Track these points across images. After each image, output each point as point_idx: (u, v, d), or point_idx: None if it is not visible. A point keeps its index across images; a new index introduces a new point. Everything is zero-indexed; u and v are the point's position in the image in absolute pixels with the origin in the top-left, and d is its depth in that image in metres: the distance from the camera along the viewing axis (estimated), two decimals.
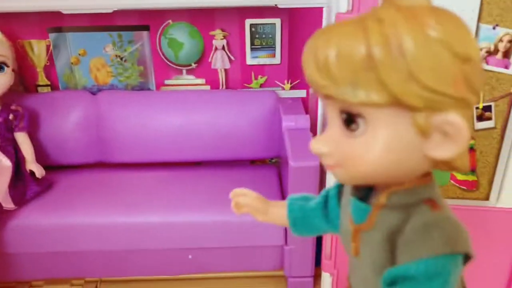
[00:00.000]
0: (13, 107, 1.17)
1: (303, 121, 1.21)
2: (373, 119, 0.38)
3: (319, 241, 1.12)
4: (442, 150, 0.39)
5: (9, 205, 1.05)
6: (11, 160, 1.13)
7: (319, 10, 1.24)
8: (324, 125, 1.30)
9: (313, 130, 1.30)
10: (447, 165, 0.41)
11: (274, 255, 1.17)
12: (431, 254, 0.39)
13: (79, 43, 1.30)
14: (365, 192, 0.46)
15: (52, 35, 1.29)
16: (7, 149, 1.14)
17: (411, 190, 0.42)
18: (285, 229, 1.13)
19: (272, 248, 1.16)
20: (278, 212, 0.58)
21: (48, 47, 1.30)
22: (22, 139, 1.18)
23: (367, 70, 0.36)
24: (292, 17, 1.29)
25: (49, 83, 1.34)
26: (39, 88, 1.35)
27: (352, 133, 0.40)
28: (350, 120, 0.40)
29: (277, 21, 1.29)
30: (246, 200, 0.58)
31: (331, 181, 0.99)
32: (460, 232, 0.41)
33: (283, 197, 1.18)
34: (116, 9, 1.19)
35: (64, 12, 1.20)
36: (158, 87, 1.36)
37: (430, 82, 0.36)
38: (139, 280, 1.22)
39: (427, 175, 0.43)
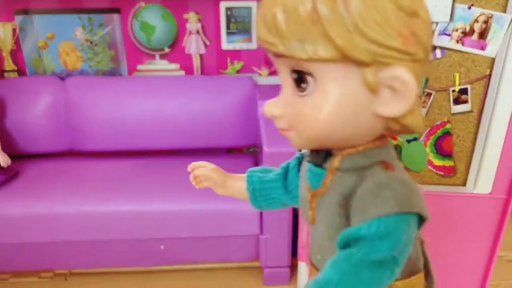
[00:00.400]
0: None
1: None
2: (322, 76, 0.38)
3: (295, 230, 1.09)
4: (391, 107, 0.38)
5: None
6: None
7: None
8: None
9: None
10: (399, 124, 0.40)
11: (249, 245, 1.14)
12: (382, 214, 0.38)
13: (47, 26, 1.25)
14: (322, 159, 0.45)
15: (18, 18, 1.23)
16: None
17: (364, 153, 0.42)
18: (261, 218, 1.10)
19: (247, 238, 1.12)
20: (237, 184, 0.56)
21: (14, 30, 1.25)
22: None
23: (314, 25, 0.36)
24: None
25: (16, 68, 1.29)
26: (6, 74, 1.29)
27: (303, 93, 0.39)
28: (300, 79, 0.39)
29: (253, 4, 1.25)
30: (204, 171, 0.56)
31: None
32: (413, 192, 0.40)
33: None
34: None
35: None
36: (130, 72, 1.32)
37: (376, 35, 0.36)
38: (110, 273, 1.18)
39: (381, 137, 0.43)
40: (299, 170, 0.52)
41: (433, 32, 0.39)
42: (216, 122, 1.26)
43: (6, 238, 1.08)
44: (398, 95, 0.37)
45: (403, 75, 0.37)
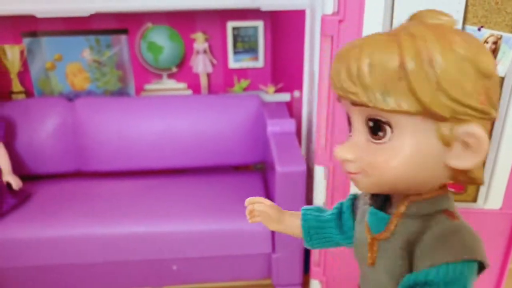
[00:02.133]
0: None
1: (288, 125, 1.19)
2: (400, 127, 0.41)
3: (307, 248, 1.10)
4: (463, 160, 0.41)
5: None
6: None
7: (302, 13, 1.23)
8: (309, 130, 1.28)
9: (298, 135, 1.28)
10: (465, 176, 0.43)
11: (261, 263, 1.14)
12: (451, 260, 0.41)
13: (54, 48, 1.25)
14: (381, 202, 0.48)
15: (26, 40, 1.24)
16: None
17: (429, 200, 0.45)
18: (272, 237, 1.10)
19: (259, 256, 1.13)
20: (292, 222, 0.58)
21: (22, 52, 1.25)
22: None
23: (399, 80, 0.39)
24: (275, 19, 1.27)
25: (23, 89, 1.29)
26: (13, 95, 1.29)
27: (378, 141, 0.42)
28: (377, 127, 0.42)
29: (259, 24, 1.27)
30: (261, 207, 0.58)
31: (319, 187, 0.97)
32: (477, 241, 0.43)
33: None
34: (93, 12, 1.15)
35: (39, 16, 1.16)
36: (138, 92, 1.33)
37: (457, 94, 0.39)
38: None
39: (444, 186, 0.45)
40: (352, 211, 0.54)
41: (499, 89, 0.43)
42: (223, 140, 1.27)
43: (18, 262, 1.07)
44: (471, 150, 0.40)
45: (478, 132, 0.40)
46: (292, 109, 1.34)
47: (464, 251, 0.41)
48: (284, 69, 1.32)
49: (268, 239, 1.10)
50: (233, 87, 1.34)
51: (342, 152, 0.44)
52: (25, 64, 1.27)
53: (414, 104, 0.39)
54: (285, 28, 1.28)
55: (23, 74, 1.28)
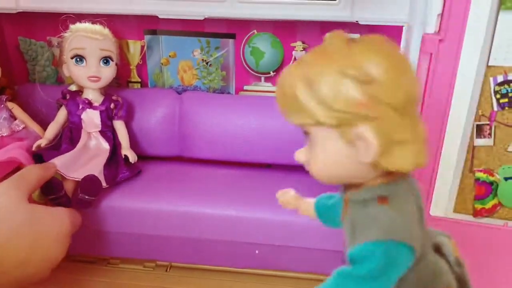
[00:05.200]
0: (114, 97, 1.30)
1: None
2: (313, 135, 0.54)
3: None
4: (365, 156, 0.50)
5: (102, 183, 1.16)
6: (109, 144, 1.25)
7: (399, 28, 1.28)
8: None
9: None
10: (380, 167, 0.52)
11: (336, 259, 1.22)
12: (364, 241, 0.51)
13: (170, 45, 1.42)
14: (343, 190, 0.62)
15: (147, 37, 1.42)
16: (107, 135, 1.27)
17: (368, 188, 0.55)
18: None
19: (333, 253, 1.20)
20: (308, 208, 0.79)
21: (142, 47, 1.43)
22: (119, 126, 1.31)
23: (295, 101, 0.52)
24: (372, 33, 1.34)
25: (139, 80, 1.47)
26: (130, 84, 1.48)
27: (309, 146, 0.56)
28: (306, 136, 0.56)
29: (356, 35, 1.34)
30: (287, 197, 0.81)
31: None
32: (397, 225, 0.52)
33: None
34: (207, 16, 1.30)
35: (160, 16, 1.32)
36: (237, 91, 1.46)
37: (338, 105, 0.49)
38: (206, 270, 1.29)
39: (389, 174, 0.54)
40: None
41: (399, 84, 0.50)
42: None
43: (122, 228, 1.23)
44: (364, 148, 0.51)
45: (362, 133, 0.49)
46: None
47: (377, 233, 0.50)
48: None
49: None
50: None
51: (298, 155, 0.59)
52: (143, 58, 1.45)
53: (308, 119, 0.52)
54: None
55: (141, 67, 1.46)
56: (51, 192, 1.04)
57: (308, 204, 0.79)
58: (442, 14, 0.91)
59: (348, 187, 0.59)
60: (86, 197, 1.09)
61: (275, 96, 0.57)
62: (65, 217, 0.94)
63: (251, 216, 1.19)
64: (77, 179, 1.11)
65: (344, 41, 0.53)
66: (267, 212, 1.19)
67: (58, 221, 0.91)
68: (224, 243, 1.23)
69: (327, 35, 0.56)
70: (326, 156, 0.53)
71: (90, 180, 1.10)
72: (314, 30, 1.36)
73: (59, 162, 1.10)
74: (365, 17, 1.28)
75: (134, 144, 1.37)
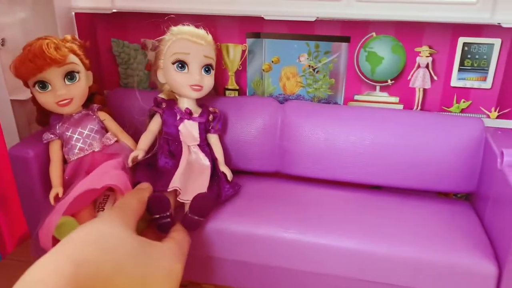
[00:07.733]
0: (211, 109, 1.18)
1: None
2: None
3: None
4: None
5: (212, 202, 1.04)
6: (208, 159, 1.13)
7: None
8: None
9: None
10: None
11: None
12: None
13: (274, 50, 1.28)
14: None
15: (249, 40, 1.29)
16: (205, 149, 1.14)
17: None
18: (498, 280, 0.97)
19: None
20: None
21: (243, 52, 1.30)
22: (214, 141, 1.18)
23: None
24: None
25: (237, 87, 1.35)
26: (227, 92, 1.36)
27: None
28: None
29: (496, 42, 1.14)
30: None
31: None
32: None
33: (489, 238, 1.03)
34: (319, 17, 1.15)
35: (266, 17, 1.18)
36: (345, 101, 1.30)
37: None
38: None
39: None
40: None
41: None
42: (432, 163, 1.17)
43: (223, 253, 1.09)
44: None
45: None
46: None
47: None
48: None
49: (492, 282, 0.97)
50: (451, 106, 1.23)
51: None
52: (243, 63, 1.32)
53: None
54: None
55: (240, 73, 1.34)
56: (158, 210, 0.93)
57: None
58: None
59: None
60: (196, 217, 0.97)
61: None
62: (177, 251, 0.82)
63: (372, 250, 1.01)
64: (187, 202, 0.99)
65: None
66: (393, 246, 1.01)
67: (168, 257, 0.79)
68: (336, 279, 1.07)
69: None
70: None
71: (202, 199, 0.98)
72: (445, 34, 1.17)
73: (179, 183, 0.99)
74: (510, 19, 1.08)
75: (226, 158, 1.25)
